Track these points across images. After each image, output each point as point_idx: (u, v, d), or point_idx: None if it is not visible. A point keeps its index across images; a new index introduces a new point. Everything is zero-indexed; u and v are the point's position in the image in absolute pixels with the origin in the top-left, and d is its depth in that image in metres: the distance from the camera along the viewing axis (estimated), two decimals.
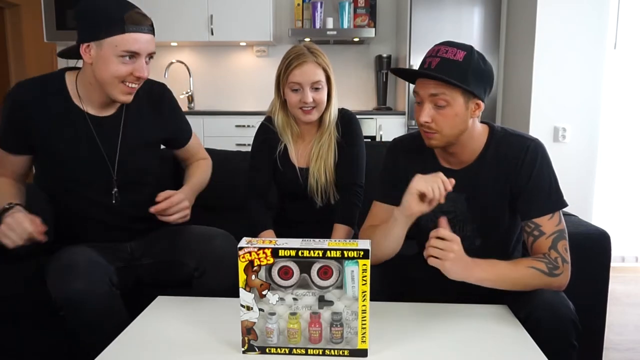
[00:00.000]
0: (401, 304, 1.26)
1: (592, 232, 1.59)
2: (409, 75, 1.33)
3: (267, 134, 1.75)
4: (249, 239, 1.00)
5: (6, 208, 1.28)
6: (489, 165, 1.30)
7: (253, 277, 0.97)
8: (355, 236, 1.78)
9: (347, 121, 1.74)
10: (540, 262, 1.19)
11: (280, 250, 0.96)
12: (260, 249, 0.96)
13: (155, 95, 1.53)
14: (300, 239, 1.00)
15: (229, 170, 1.98)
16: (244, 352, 1.02)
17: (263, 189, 1.75)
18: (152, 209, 1.35)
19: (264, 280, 0.98)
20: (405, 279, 1.37)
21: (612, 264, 1.60)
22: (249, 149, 1.85)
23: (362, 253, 0.96)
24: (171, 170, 1.83)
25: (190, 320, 1.18)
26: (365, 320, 0.99)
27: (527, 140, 1.29)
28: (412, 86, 1.32)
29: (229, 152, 2.12)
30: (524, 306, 1.18)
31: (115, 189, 1.45)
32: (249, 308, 0.99)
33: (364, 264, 0.96)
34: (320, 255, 0.96)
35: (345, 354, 1.00)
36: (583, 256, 1.55)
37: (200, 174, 1.64)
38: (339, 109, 1.75)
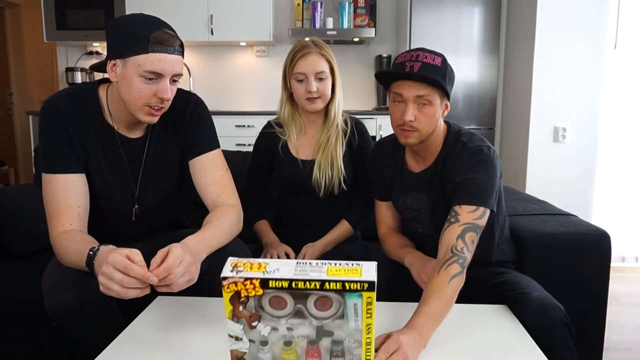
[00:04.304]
0: (401, 304, 1.26)
1: (592, 232, 1.59)
2: (390, 78, 1.35)
3: (266, 137, 1.77)
4: (235, 260, 0.87)
5: (91, 255, 1.12)
6: (443, 165, 1.37)
7: (240, 308, 0.85)
8: (355, 237, 1.80)
9: (362, 130, 1.79)
10: (453, 265, 1.15)
11: (270, 281, 0.82)
12: (247, 279, 0.82)
13: (178, 108, 1.42)
14: (295, 262, 0.86)
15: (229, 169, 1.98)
16: None
17: (260, 191, 1.82)
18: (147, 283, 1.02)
19: (254, 312, 0.85)
20: (405, 279, 1.37)
21: (612, 264, 1.60)
22: (249, 149, 1.86)
23: (366, 285, 0.81)
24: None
25: (190, 320, 1.18)
26: (370, 353, 0.87)
27: (474, 143, 1.33)
28: None
29: (229, 152, 2.12)
30: (512, 309, 1.20)
31: (137, 206, 1.43)
32: (237, 338, 0.88)
33: (369, 297, 0.82)
34: (318, 287, 0.82)
35: None
36: (583, 256, 1.56)
37: (218, 224, 1.31)
38: (352, 118, 1.79)
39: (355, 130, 1.76)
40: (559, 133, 3.12)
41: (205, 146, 1.43)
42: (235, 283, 0.83)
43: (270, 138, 1.76)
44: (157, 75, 1.23)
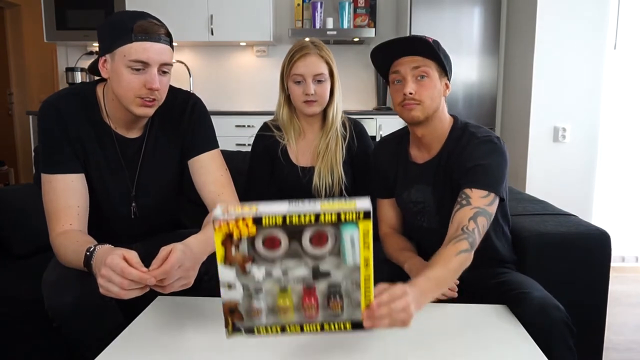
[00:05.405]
0: None
1: (592, 232, 1.59)
2: (386, 56, 1.37)
3: (265, 140, 1.74)
4: (225, 206, 0.84)
5: (88, 256, 1.12)
6: (448, 157, 1.36)
7: (233, 251, 0.82)
8: None
9: (361, 132, 1.76)
10: (463, 242, 1.16)
11: (264, 218, 0.80)
12: (239, 218, 0.80)
13: (177, 108, 1.44)
14: (287, 202, 0.84)
15: (229, 170, 1.97)
16: (228, 337, 0.89)
17: (260, 191, 1.77)
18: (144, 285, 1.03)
19: (247, 253, 0.82)
20: (404, 280, 1.37)
21: (612, 264, 1.59)
22: (249, 148, 1.84)
23: (362, 214, 0.80)
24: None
25: (190, 321, 1.18)
26: (369, 289, 0.85)
27: (483, 134, 1.34)
28: None
29: (229, 152, 2.11)
30: (512, 309, 1.20)
31: (134, 205, 1.43)
32: (230, 286, 0.84)
33: (365, 227, 0.80)
34: (313, 220, 0.80)
35: (347, 327, 0.88)
36: (583, 256, 1.55)
37: None
38: (350, 120, 1.76)
39: (354, 132, 1.73)
40: (559, 133, 3.12)
41: (204, 146, 1.44)
42: (228, 223, 0.80)
43: (270, 141, 1.73)
44: (144, 65, 1.23)
